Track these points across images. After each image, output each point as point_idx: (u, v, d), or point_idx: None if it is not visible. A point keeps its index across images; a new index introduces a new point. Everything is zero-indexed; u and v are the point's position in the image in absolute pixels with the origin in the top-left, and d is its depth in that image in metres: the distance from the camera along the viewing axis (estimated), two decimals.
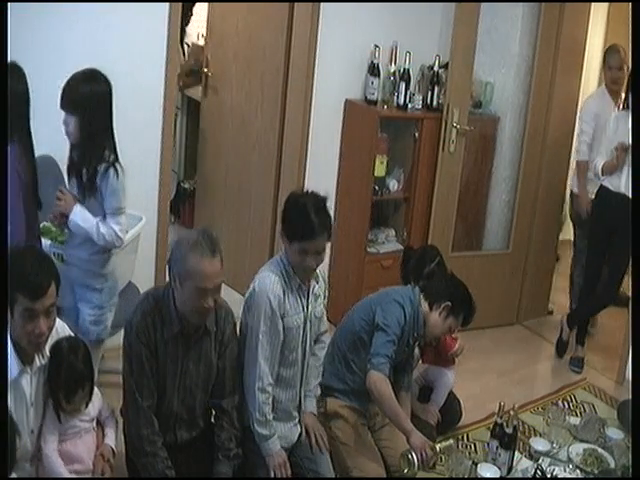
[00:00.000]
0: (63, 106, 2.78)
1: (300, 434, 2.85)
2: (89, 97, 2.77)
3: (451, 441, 3.06)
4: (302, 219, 2.64)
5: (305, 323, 2.76)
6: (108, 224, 2.85)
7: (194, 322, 2.50)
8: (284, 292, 2.67)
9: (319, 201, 2.69)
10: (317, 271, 2.81)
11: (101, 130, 2.83)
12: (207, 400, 2.67)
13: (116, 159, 2.87)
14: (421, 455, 2.73)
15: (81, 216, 2.82)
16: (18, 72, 2.82)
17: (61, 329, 2.44)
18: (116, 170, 2.83)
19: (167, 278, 2.53)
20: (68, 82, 2.79)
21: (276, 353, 2.66)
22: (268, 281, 2.65)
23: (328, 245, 4.48)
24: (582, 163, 4.52)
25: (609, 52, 4.62)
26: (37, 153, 3.15)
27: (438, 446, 2.84)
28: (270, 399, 2.67)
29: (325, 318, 2.97)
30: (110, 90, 2.85)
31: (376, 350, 2.90)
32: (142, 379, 2.47)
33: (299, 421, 2.86)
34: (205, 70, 5.00)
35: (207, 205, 5.16)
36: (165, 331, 2.48)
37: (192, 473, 2.60)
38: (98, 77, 2.82)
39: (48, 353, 2.36)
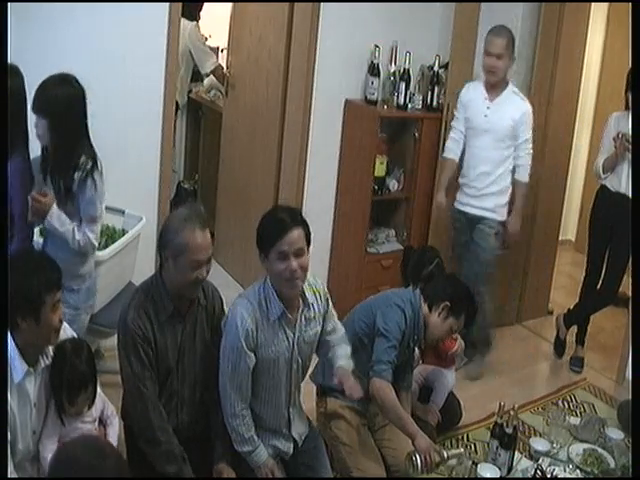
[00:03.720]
0: (34, 109, 2.76)
1: (295, 447, 2.79)
2: (59, 100, 2.75)
3: (461, 450, 3.06)
4: (271, 221, 2.57)
5: (292, 350, 2.64)
6: (83, 231, 2.84)
7: (188, 295, 2.54)
8: (257, 324, 2.52)
9: (287, 206, 2.68)
10: (307, 292, 2.65)
11: (73, 135, 2.80)
12: (206, 379, 2.67)
13: (94, 166, 2.82)
14: (425, 458, 2.73)
15: (58, 219, 2.80)
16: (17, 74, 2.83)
17: (62, 330, 2.43)
18: (94, 180, 2.80)
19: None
20: (40, 85, 2.77)
21: (247, 381, 2.57)
22: (239, 311, 2.53)
23: (327, 247, 4.51)
24: (445, 161, 4.16)
25: (491, 31, 3.94)
26: (34, 154, 3.16)
27: (446, 453, 2.82)
28: (245, 419, 2.60)
29: (338, 325, 2.84)
30: (83, 95, 2.82)
31: (378, 357, 2.88)
32: (144, 372, 2.49)
33: (292, 437, 2.78)
34: (226, 71, 5.03)
35: (224, 201, 5.17)
36: (159, 315, 2.51)
37: (193, 460, 2.59)
38: (70, 81, 2.80)
39: (52, 353, 2.36)
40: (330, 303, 2.79)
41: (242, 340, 2.51)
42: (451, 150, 4.11)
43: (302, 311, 2.65)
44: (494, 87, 3.96)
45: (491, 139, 3.97)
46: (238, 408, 2.58)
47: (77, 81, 2.83)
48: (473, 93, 4.04)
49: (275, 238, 2.49)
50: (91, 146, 2.89)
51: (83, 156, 2.81)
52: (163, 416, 2.53)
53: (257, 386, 2.62)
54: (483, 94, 3.99)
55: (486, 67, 3.92)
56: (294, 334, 2.63)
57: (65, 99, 2.78)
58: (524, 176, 4.02)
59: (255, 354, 2.56)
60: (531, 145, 4.00)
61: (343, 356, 2.78)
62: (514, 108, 3.94)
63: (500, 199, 4.02)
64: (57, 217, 2.80)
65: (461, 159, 4.10)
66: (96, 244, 2.94)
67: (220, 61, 5.66)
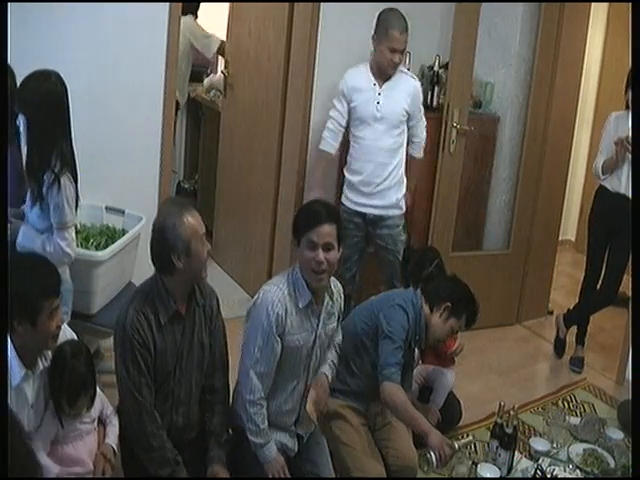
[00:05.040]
0: (14, 106, 2.73)
1: (299, 443, 2.80)
2: (34, 97, 2.71)
3: (470, 437, 3.08)
4: (307, 211, 2.67)
5: (314, 342, 2.69)
6: (54, 240, 2.77)
7: (201, 278, 2.56)
8: (287, 310, 2.58)
9: (325, 201, 2.72)
10: (333, 287, 2.73)
11: (47, 133, 2.74)
12: (202, 380, 2.67)
13: (63, 169, 2.75)
14: (439, 454, 2.73)
15: (27, 237, 2.79)
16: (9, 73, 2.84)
17: (62, 331, 2.43)
18: (60, 183, 2.72)
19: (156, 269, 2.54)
20: (21, 82, 2.75)
21: (271, 369, 2.60)
22: (269, 297, 2.58)
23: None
24: (322, 153, 3.91)
25: (394, 26, 3.64)
26: None
27: (457, 444, 2.83)
28: (262, 410, 2.62)
29: (339, 329, 2.91)
30: (64, 92, 2.78)
31: (386, 360, 2.88)
32: (140, 378, 2.47)
33: (296, 434, 2.80)
34: (225, 71, 5.04)
35: (224, 201, 5.17)
36: (160, 316, 2.49)
37: (188, 462, 2.59)
38: (51, 78, 2.75)
39: (50, 355, 2.36)
40: (342, 313, 2.86)
41: (273, 324, 2.55)
42: (328, 142, 3.85)
43: (326, 305, 2.71)
44: (384, 74, 3.75)
45: (385, 127, 3.74)
46: (257, 395, 2.59)
47: (58, 78, 2.78)
48: (358, 80, 3.76)
49: (307, 227, 2.57)
50: (69, 147, 2.82)
51: (54, 157, 2.74)
52: (157, 422, 2.52)
53: (277, 377, 2.64)
54: (371, 80, 3.75)
55: (390, 63, 3.69)
56: (318, 325, 2.68)
57: (41, 96, 2.72)
58: (420, 152, 3.93)
59: (282, 340, 2.59)
60: (424, 119, 3.89)
61: (329, 363, 2.86)
62: (406, 90, 3.76)
63: (400, 191, 3.85)
64: (26, 235, 2.79)
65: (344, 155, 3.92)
66: (70, 251, 2.81)
67: (219, 62, 5.67)
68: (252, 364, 2.58)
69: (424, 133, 3.92)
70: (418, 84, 3.87)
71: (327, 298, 2.71)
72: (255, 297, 2.65)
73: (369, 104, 3.74)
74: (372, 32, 3.78)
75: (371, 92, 3.75)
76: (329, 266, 2.59)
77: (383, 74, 3.76)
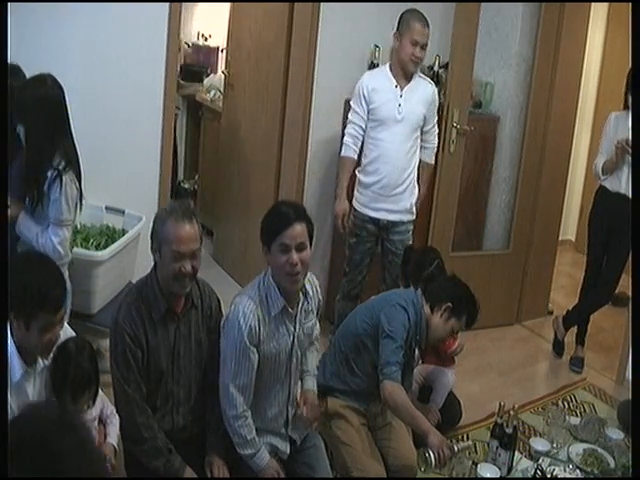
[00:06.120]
0: (12, 113, 2.73)
1: (293, 446, 2.78)
2: (35, 102, 2.73)
3: (470, 442, 3.10)
4: (274, 214, 2.59)
5: (292, 345, 2.65)
6: (47, 235, 2.78)
7: (175, 290, 2.50)
8: (260, 320, 2.52)
9: (291, 201, 2.66)
10: (307, 284, 2.68)
11: (47, 136, 2.76)
12: (202, 380, 2.66)
13: (66, 167, 2.77)
14: (438, 454, 2.73)
15: (25, 225, 2.80)
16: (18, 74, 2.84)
17: (62, 330, 2.43)
18: (62, 181, 2.74)
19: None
20: (18, 89, 2.75)
21: (250, 380, 2.56)
22: (241, 309, 2.51)
23: (328, 247, 4.49)
24: (347, 159, 3.82)
25: (416, 19, 3.72)
26: None
27: (456, 447, 2.83)
28: (247, 421, 2.58)
29: (317, 325, 2.84)
30: (61, 94, 2.80)
31: (386, 359, 2.88)
32: (129, 374, 2.47)
33: (289, 438, 2.77)
34: (225, 71, 5.04)
35: (224, 201, 5.18)
36: (153, 313, 2.49)
37: (190, 462, 2.57)
38: (47, 82, 2.77)
39: (51, 353, 2.36)
40: (320, 307, 2.81)
41: (245, 337, 2.50)
42: (351, 148, 3.78)
43: (302, 304, 2.66)
44: (404, 74, 3.75)
45: (404, 130, 3.73)
46: (240, 410, 2.56)
47: (54, 81, 2.79)
48: (378, 82, 3.74)
49: (278, 231, 2.50)
50: (72, 147, 2.84)
51: (57, 156, 2.77)
52: (147, 412, 2.51)
53: (258, 383, 2.61)
54: (392, 82, 3.73)
55: (412, 57, 3.68)
56: (295, 328, 2.63)
57: (39, 102, 2.74)
58: (432, 158, 3.96)
59: (257, 350, 2.55)
60: (437, 126, 3.92)
61: (312, 370, 2.87)
62: (425, 94, 3.78)
63: (413, 196, 3.84)
64: (24, 223, 2.80)
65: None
66: (61, 249, 2.79)
67: (219, 62, 5.67)
68: (231, 379, 2.53)
69: (436, 139, 3.94)
70: (435, 90, 3.87)
71: (302, 297, 2.66)
72: (227, 310, 2.59)
73: (390, 105, 3.72)
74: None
75: (392, 93, 3.73)
76: (303, 267, 2.53)
77: (405, 73, 3.73)
